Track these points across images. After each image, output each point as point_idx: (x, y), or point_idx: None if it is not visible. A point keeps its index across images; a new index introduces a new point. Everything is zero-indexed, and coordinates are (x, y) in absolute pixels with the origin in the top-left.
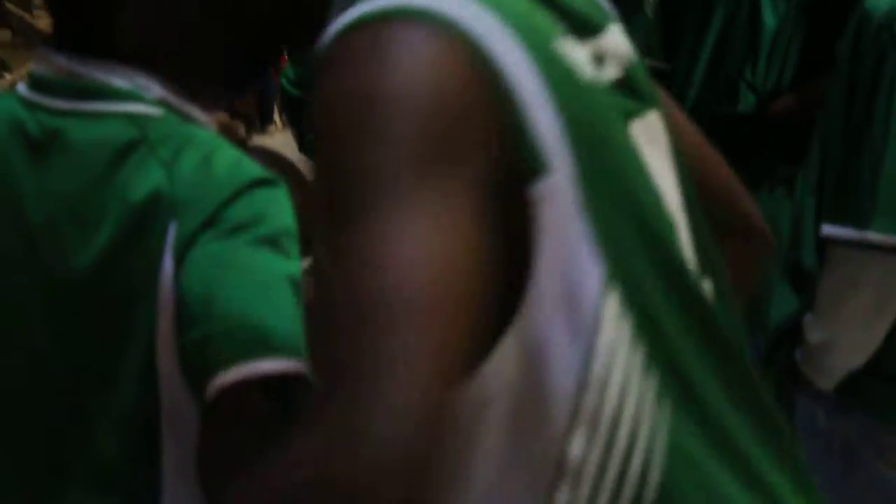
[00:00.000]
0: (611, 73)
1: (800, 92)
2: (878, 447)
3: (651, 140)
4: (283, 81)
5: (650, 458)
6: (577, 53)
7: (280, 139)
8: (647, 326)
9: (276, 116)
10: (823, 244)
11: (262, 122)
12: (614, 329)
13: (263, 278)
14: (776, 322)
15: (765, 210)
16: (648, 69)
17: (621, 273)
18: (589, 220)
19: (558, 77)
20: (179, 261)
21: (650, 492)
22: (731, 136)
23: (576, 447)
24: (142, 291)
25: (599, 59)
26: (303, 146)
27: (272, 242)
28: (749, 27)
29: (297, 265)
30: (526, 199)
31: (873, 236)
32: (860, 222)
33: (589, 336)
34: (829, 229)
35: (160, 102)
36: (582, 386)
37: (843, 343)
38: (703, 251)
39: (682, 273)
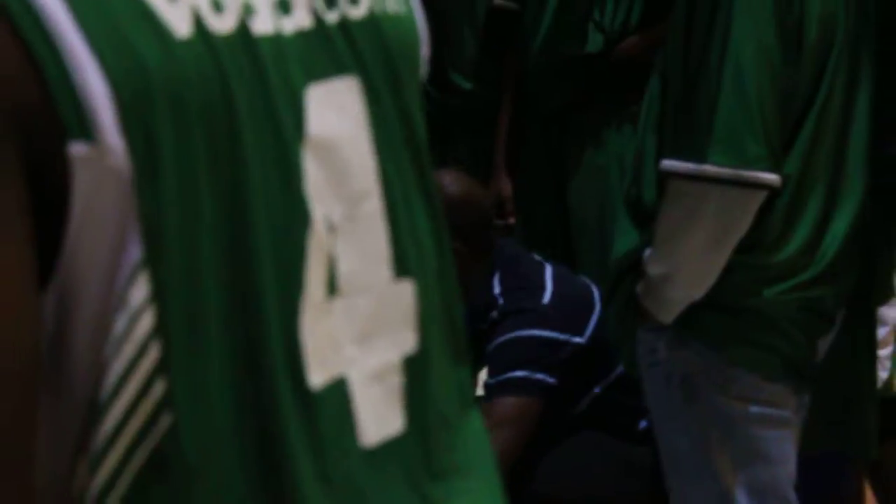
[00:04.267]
0: (295, 23)
1: (646, 32)
2: (718, 379)
3: (340, 108)
4: None
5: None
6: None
7: None
8: (170, 329)
9: None
10: (663, 179)
11: None
12: (129, 319)
13: None
14: (618, 257)
15: (613, 148)
16: (498, 9)
17: (163, 262)
18: (141, 196)
19: (115, 34)
20: None
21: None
22: (579, 75)
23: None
24: None
25: (284, 6)
26: None
27: None
28: None
29: None
30: (65, 158)
31: (710, 169)
32: (697, 156)
33: (108, 316)
34: (667, 163)
35: None
36: (95, 372)
37: (681, 276)
38: (406, 247)
39: (259, 286)
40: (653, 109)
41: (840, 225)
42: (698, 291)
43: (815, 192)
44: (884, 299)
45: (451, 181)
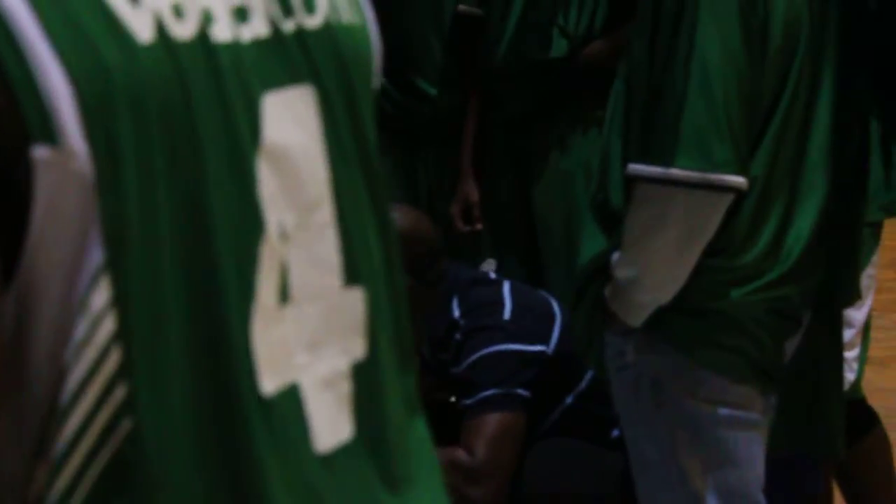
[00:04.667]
0: (252, 31)
1: (610, 36)
2: (686, 382)
3: (294, 117)
4: None
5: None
6: (151, 6)
7: None
8: (132, 333)
9: None
10: (630, 183)
11: None
12: (91, 323)
13: None
14: (585, 261)
15: (578, 153)
16: (463, 15)
17: (125, 266)
18: (103, 199)
19: (79, 38)
20: None
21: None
22: (544, 81)
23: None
24: None
25: (242, 14)
26: None
27: None
28: None
29: None
30: (28, 161)
31: (677, 173)
32: (664, 159)
33: (69, 320)
34: (634, 167)
35: None
36: (54, 376)
37: (649, 279)
38: (356, 255)
39: (219, 291)
40: (618, 113)
41: (804, 223)
42: (666, 295)
43: (780, 193)
44: (850, 301)
45: (397, 216)
